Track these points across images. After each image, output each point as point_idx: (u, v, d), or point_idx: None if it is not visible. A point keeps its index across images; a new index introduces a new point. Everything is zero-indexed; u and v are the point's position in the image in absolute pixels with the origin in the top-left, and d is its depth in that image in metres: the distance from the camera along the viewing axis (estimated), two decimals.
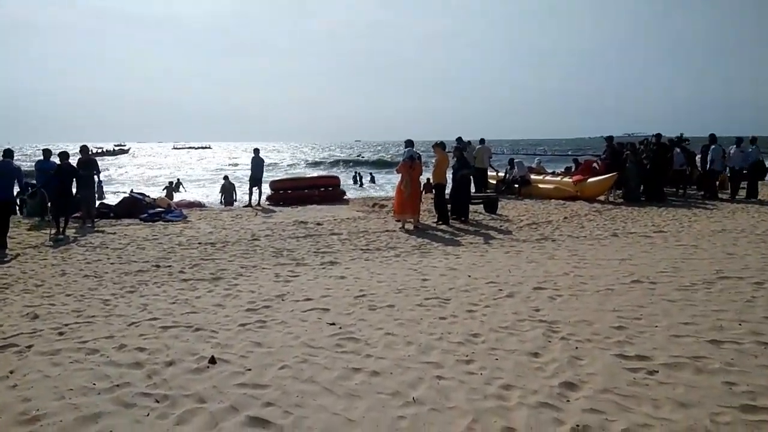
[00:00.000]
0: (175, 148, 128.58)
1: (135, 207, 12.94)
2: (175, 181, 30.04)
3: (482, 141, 17.09)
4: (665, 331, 4.86)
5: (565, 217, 12.27)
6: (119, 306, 5.91)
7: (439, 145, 11.76)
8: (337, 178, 18.62)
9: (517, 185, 16.47)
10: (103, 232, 10.95)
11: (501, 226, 11.36)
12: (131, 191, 15.66)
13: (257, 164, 15.68)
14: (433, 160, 12.03)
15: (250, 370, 4.11)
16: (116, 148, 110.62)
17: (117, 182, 39.87)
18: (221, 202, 18.11)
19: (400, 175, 11.15)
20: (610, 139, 15.85)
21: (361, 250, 8.95)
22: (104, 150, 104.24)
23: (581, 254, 8.44)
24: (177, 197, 24.00)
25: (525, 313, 5.47)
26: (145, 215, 12.44)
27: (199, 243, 9.63)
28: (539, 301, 5.89)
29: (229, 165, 58.34)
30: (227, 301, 6.08)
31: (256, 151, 15.91)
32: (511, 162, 17.04)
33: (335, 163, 64.84)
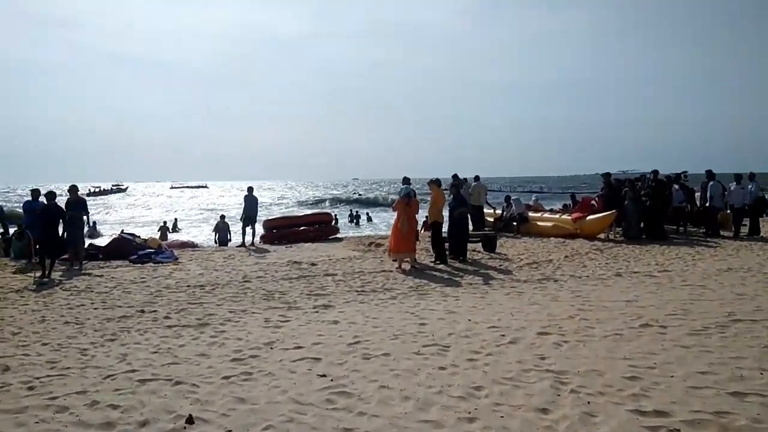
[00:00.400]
0: (172, 188, 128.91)
1: (124, 248, 12.60)
2: (172, 220, 29.83)
3: (477, 178, 16.90)
4: (682, 381, 4.51)
5: (566, 256, 11.97)
6: (97, 356, 5.54)
7: (435, 182, 11.54)
8: (329, 215, 18.42)
9: (515, 223, 16.22)
10: (89, 274, 10.59)
11: (500, 265, 11.05)
12: (121, 231, 15.34)
13: (251, 203, 15.40)
14: (429, 198, 11.79)
15: (230, 431, 3.74)
16: (114, 187, 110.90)
17: (109, 223, 39.60)
18: (215, 241, 17.82)
19: (396, 213, 10.89)
20: (607, 175, 15.70)
21: (356, 291, 8.61)
22: (102, 189, 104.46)
23: (585, 295, 8.12)
24: (173, 236, 23.75)
25: (530, 362, 5.12)
26: (135, 256, 12.10)
27: (188, 286, 9.28)
28: (545, 348, 5.55)
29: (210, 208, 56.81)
30: (212, 349, 5.71)
31: (250, 189, 15.65)
32: (507, 199, 16.83)
33: (332, 201, 64.79)
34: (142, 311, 7.50)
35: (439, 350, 5.53)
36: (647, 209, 14.85)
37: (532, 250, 12.99)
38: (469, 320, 6.73)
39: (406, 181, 10.73)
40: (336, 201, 62.26)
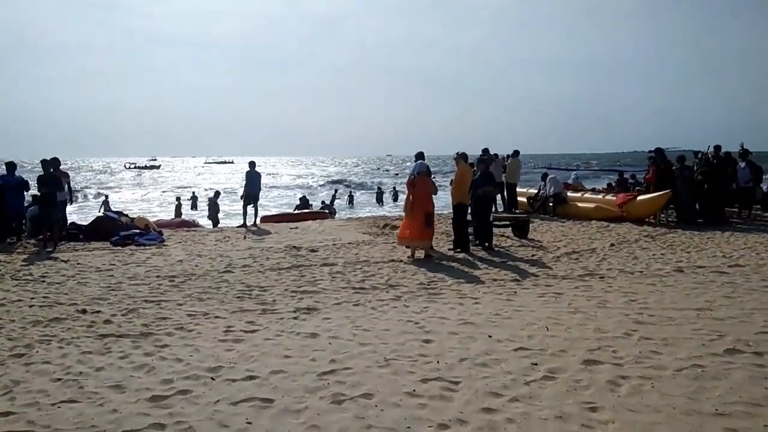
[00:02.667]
0: (206, 163, 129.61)
1: (107, 228, 11.27)
2: (191, 195, 28.57)
3: (516, 153, 15.00)
4: None
5: (612, 244, 10.11)
6: None
7: (461, 157, 9.77)
8: (325, 214, 17.00)
9: (551, 204, 14.33)
10: (55, 258, 9.24)
11: (533, 255, 9.28)
12: (104, 205, 14.05)
13: (252, 179, 13.84)
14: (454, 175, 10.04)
15: None
16: (148, 164, 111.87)
17: (122, 202, 38.96)
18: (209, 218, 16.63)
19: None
20: (659, 151, 13.59)
21: (353, 289, 6.99)
22: (137, 165, 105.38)
23: (642, 299, 6.35)
24: (187, 213, 22.61)
25: (575, 416, 3.46)
26: (117, 238, 10.75)
27: (157, 276, 7.82)
28: (595, 390, 3.87)
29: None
30: (135, 377, 4.20)
31: (252, 164, 14.01)
32: (544, 177, 14.90)
33: (331, 183, 62.35)
34: (84, 311, 6.05)
35: (443, 389, 3.90)
36: (704, 189, 12.82)
37: (571, 236, 11.15)
38: (490, 337, 5.06)
39: (419, 156, 9.09)
40: (336, 182, 56.91)
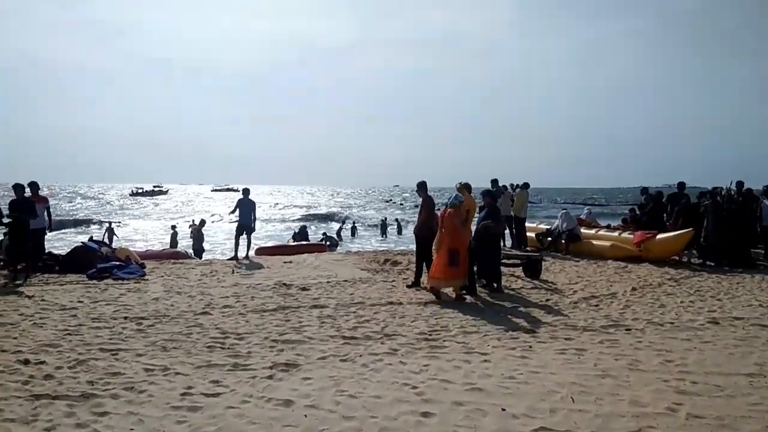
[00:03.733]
0: (213, 190, 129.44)
1: (84, 259, 10.42)
2: (197, 222, 27.29)
3: (525, 186, 14.12)
4: None
5: (634, 288, 9.18)
6: None
7: (465, 187, 8.92)
8: (323, 246, 16.26)
9: (564, 240, 13.43)
10: (20, 294, 8.39)
11: (548, 299, 8.35)
12: (90, 238, 13.24)
13: (246, 208, 13.01)
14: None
15: None
16: (155, 188, 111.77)
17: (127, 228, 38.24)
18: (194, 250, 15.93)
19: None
20: (681, 186, 12.69)
21: (343, 338, 6.08)
22: (144, 190, 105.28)
23: (679, 360, 5.42)
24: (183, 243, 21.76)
25: None
26: (93, 270, 9.90)
27: (125, 318, 6.93)
28: None
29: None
30: None
31: (246, 192, 13.16)
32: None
33: (363, 206, 62.19)
34: (26, 362, 5.16)
35: None
36: (730, 229, 11.93)
37: (588, 278, 10.22)
38: (503, 410, 4.13)
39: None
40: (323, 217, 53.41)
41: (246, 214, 12.93)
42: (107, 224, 31.68)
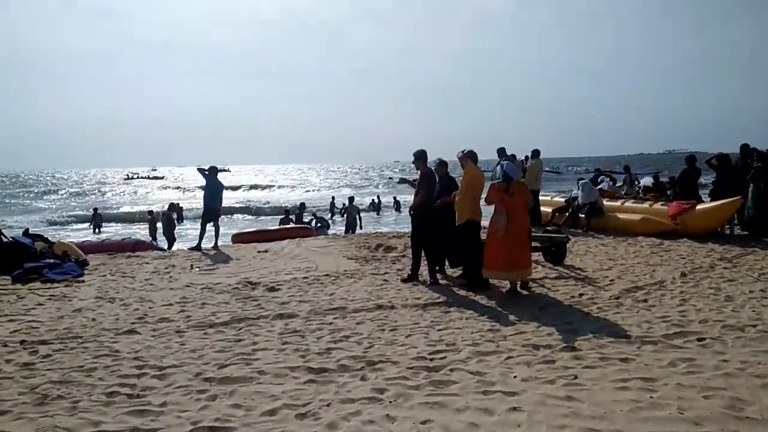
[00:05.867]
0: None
1: (13, 257, 8.60)
2: (166, 209, 25.32)
3: (536, 153, 12.27)
4: None
5: (683, 274, 7.38)
6: None
7: (468, 156, 7.02)
8: (310, 230, 14.32)
9: (582, 215, 11.61)
10: None
11: (581, 293, 6.54)
12: (25, 231, 11.40)
13: (212, 190, 11.13)
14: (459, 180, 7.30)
15: None
16: (151, 174, 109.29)
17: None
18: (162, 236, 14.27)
19: (493, 207, 6.63)
20: (723, 157, 10.78)
21: (308, 370, 4.28)
22: (139, 175, 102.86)
23: None
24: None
25: None
26: (19, 272, 8.10)
27: (21, 342, 5.15)
28: None
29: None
30: None
31: (213, 170, 11.24)
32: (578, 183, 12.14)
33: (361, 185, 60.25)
34: None
35: None
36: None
37: (621, 261, 8.42)
38: None
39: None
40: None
41: (212, 195, 11.05)
42: (92, 210, 29.86)
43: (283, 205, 27.25)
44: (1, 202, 49.20)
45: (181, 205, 31.46)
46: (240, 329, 5.42)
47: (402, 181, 8.94)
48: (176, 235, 15.75)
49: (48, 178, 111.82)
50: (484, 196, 6.82)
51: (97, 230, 27.09)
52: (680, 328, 5.11)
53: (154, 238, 17.61)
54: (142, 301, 6.68)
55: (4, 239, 9.01)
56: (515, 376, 4.08)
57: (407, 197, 39.89)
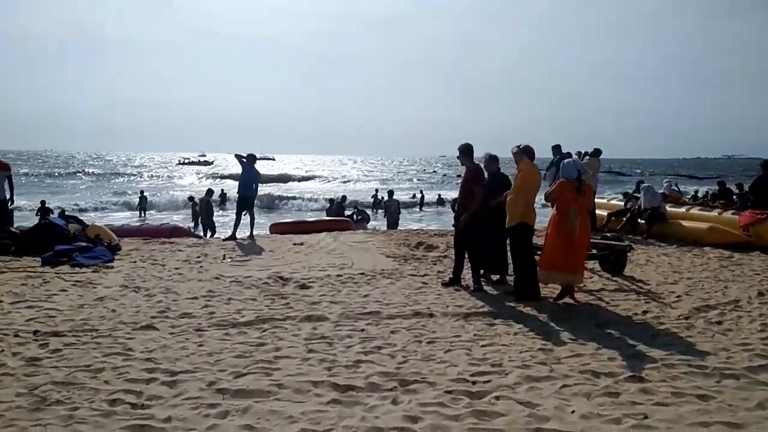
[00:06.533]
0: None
1: (46, 238, 8.46)
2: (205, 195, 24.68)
3: (597, 152, 11.41)
4: None
5: (760, 293, 6.56)
6: None
7: (525, 152, 6.35)
8: (349, 222, 13.81)
9: (641, 221, 10.75)
10: None
11: (645, 311, 5.82)
12: (61, 212, 11.31)
13: (248, 178, 10.77)
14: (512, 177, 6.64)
15: None
16: (200, 159, 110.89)
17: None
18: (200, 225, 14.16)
19: (555, 206, 6.13)
20: None
21: (334, 387, 3.78)
22: (190, 160, 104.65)
23: None
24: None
25: None
26: (49, 254, 7.92)
27: (35, 332, 4.84)
28: None
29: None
30: None
31: (251, 158, 10.82)
32: (638, 186, 11.27)
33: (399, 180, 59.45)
34: None
35: None
36: None
37: (688, 274, 7.61)
38: None
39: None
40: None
41: (247, 184, 10.69)
42: (140, 192, 30.22)
43: (327, 197, 26.92)
44: (51, 183, 50.72)
45: (224, 191, 31.60)
46: (264, 331, 4.98)
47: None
48: (216, 222, 15.53)
49: (112, 158, 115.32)
50: (540, 195, 6.19)
51: (142, 213, 27.44)
52: (765, 360, 4.39)
53: (196, 225, 17.53)
54: (167, 292, 6.34)
55: (43, 221, 8.87)
56: (573, 411, 3.47)
57: (451, 193, 39.20)
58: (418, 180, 63.76)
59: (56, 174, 62.66)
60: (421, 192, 32.83)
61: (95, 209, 29.01)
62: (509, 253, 6.63)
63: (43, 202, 19.19)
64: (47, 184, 49.48)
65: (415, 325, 5.20)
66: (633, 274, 7.57)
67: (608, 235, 7.81)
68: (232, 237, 10.39)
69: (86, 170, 69.23)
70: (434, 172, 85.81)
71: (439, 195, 33.17)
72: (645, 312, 5.76)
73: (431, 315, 5.51)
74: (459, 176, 7.28)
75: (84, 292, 6.29)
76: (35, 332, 4.86)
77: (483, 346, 4.64)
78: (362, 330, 5.02)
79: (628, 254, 7.76)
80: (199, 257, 8.62)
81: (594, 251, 7.46)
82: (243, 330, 5.00)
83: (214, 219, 15.60)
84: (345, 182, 56.86)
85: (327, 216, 17.56)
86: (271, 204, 32.47)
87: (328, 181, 59.51)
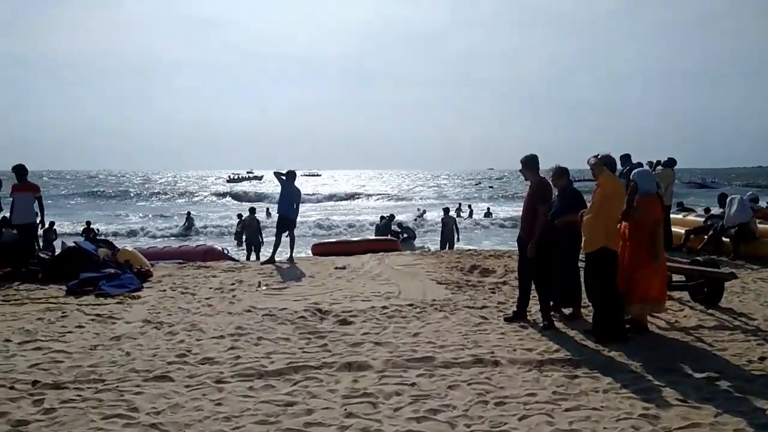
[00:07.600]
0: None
1: (74, 264, 7.95)
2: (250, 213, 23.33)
3: (671, 162, 10.25)
4: None
5: None
6: None
7: (605, 163, 5.35)
8: (395, 243, 12.97)
9: (725, 239, 9.47)
10: None
11: (761, 354, 4.72)
12: (90, 235, 10.87)
13: (287, 197, 10.04)
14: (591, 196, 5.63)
15: None
16: (248, 175, 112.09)
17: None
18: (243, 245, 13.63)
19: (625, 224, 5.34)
20: None
21: None
22: (240, 176, 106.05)
23: None
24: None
25: None
26: (75, 282, 7.38)
27: (33, 383, 4.17)
28: None
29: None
30: None
31: (290, 175, 10.08)
32: (722, 198, 9.99)
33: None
34: None
35: None
36: None
37: None
38: None
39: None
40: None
41: (287, 204, 9.98)
42: (186, 213, 30.10)
43: (375, 214, 26.13)
44: (94, 204, 51.43)
45: (269, 208, 31.31)
46: (295, 383, 4.16)
47: None
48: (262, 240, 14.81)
49: (156, 177, 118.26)
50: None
51: (189, 233, 27.33)
52: None
53: (239, 243, 17.01)
54: (192, 329, 5.61)
55: (70, 245, 8.40)
56: None
57: (501, 208, 37.77)
58: (465, 193, 62.45)
59: (109, 194, 63.76)
60: (470, 206, 31.72)
61: (143, 229, 28.97)
62: (583, 282, 5.67)
63: (88, 223, 19.15)
64: (99, 204, 50.38)
65: (477, 376, 4.27)
66: (731, 305, 6.40)
67: (699, 259, 6.66)
68: (271, 260, 9.67)
69: (137, 191, 70.33)
70: (479, 184, 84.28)
71: (488, 208, 31.98)
72: (763, 359, 4.65)
73: (496, 363, 4.56)
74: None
75: (101, 330, 5.63)
76: (34, 383, 4.19)
77: (567, 410, 3.67)
78: (413, 384, 4.12)
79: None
80: (233, 284, 7.92)
81: (682, 278, 6.35)
82: (270, 382, 4.18)
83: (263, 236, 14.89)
84: (389, 199, 56.04)
85: (376, 234, 16.82)
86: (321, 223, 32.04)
87: (376, 199, 58.77)
